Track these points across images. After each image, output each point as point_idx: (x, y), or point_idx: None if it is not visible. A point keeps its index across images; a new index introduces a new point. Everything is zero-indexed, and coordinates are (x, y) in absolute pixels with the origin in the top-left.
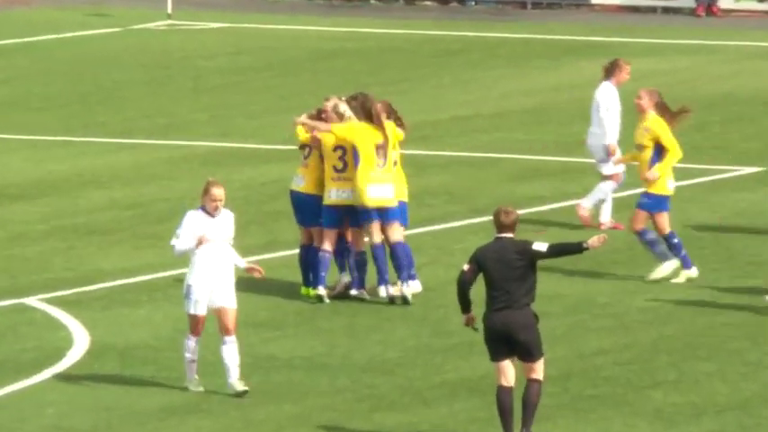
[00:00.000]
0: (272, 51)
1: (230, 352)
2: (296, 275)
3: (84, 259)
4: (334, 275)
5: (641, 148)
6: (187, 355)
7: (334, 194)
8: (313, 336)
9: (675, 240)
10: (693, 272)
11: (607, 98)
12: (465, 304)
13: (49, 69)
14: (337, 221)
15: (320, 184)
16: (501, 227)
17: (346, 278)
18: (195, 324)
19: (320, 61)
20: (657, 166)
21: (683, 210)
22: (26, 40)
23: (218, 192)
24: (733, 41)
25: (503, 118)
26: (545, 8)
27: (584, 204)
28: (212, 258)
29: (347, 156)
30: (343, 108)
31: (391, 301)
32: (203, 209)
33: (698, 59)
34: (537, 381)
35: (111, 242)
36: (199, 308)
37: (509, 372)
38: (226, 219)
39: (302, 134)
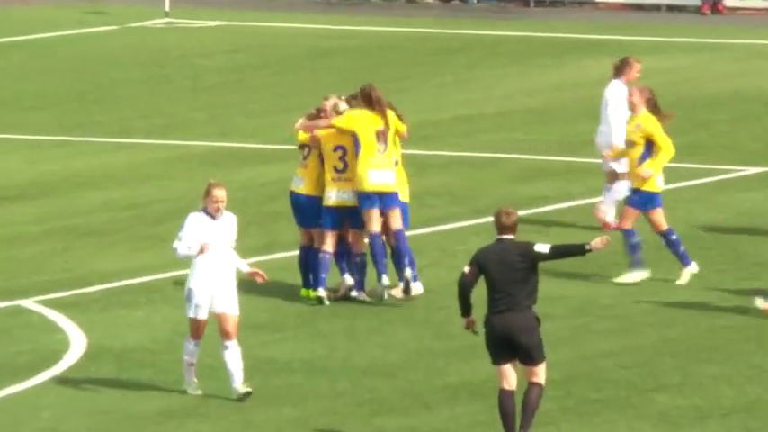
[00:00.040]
0: (271, 49)
1: (233, 357)
2: (295, 277)
3: (81, 261)
4: (335, 278)
5: (631, 144)
6: (186, 357)
7: (334, 195)
8: (313, 338)
9: (674, 237)
10: (693, 267)
11: (616, 96)
12: (465, 307)
13: (46, 68)
14: (338, 223)
15: (320, 184)
16: (502, 228)
17: (349, 281)
18: (196, 328)
19: (319, 59)
20: (649, 162)
21: (688, 210)
22: (23, 37)
23: (219, 193)
24: (738, 39)
25: (505, 117)
26: (548, 6)
27: (603, 207)
28: (214, 262)
29: (347, 156)
30: (343, 107)
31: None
32: (205, 211)
33: (703, 58)
34: (538, 384)
35: (108, 243)
36: (200, 312)
37: (511, 375)
38: (228, 221)
39: (302, 134)
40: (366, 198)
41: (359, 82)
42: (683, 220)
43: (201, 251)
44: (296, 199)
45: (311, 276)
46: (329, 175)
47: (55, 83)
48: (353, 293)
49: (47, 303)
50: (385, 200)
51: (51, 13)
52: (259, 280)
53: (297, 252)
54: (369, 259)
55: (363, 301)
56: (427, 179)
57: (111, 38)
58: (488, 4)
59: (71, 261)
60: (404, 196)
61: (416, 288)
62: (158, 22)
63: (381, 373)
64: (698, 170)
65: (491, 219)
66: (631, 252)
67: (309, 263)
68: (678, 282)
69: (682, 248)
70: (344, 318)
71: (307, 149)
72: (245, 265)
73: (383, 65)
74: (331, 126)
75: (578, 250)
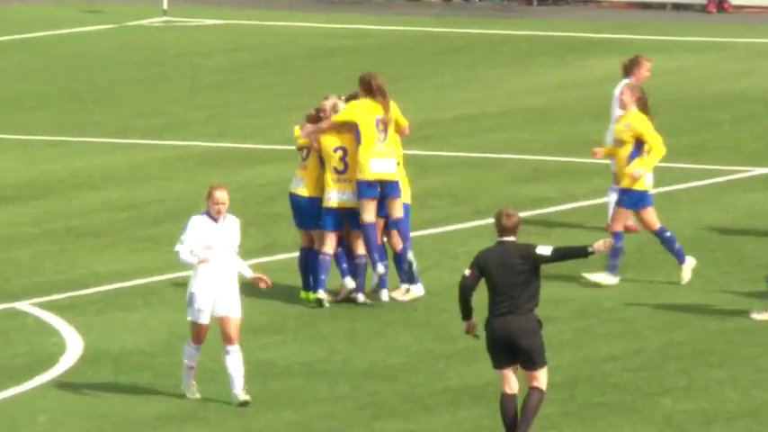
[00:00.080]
0: (270, 48)
1: (234, 362)
2: (295, 279)
3: (78, 262)
4: (335, 280)
5: (620, 143)
6: (186, 361)
7: (334, 197)
8: (313, 341)
9: (668, 234)
10: (691, 262)
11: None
12: (466, 311)
13: (42, 67)
14: (338, 224)
15: (320, 186)
16: (503, 230)
17: (350, 285)
18: (197, 332)
19: (319, 59)
20: (638, 161)
21: (693, 211)
22: (19, 36)
23: (220, 195)
24: (744, 38)
25: (507, 117)
26: (551, 4)
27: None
28: (216, 266)
29: (348, 157)
30: (343, 107)
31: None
32: (207, 214)
33: (708, 57)
34: (538, 389)
35: (106, 245)
36: (202, 316)
37: (512, 379)
38: (231, 225)
39: (298, 134)
40: (366, 187)
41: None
42: (687, 222)
43: (203, 261)
44: (296, 200)
45: (311, 278)
46: (330, 176)
47: (52, 82)
48: (354, 296)
49: (43, 305)
50: (386, 188)
51: (48, 12)
52: (262, 285)
53: (296, 254)
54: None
55: (364, 304)
56: (428, 180)
57: (108, 37)
58: (491, 3)
59: (68, 263)
60: (405, 197)
61: (417, 290)
62: (156, 20)
63: (382, 377)
64: (703, 171)
65: (493, 220)
66: (612, 256)
67: (309, 265)
68: (682, 281)
69: (677, 245)
70: (344, 320)
71: (306, 150)
72: (248, 270)
73: (384, 64)
74: (333, 124)
75: (581, 252)
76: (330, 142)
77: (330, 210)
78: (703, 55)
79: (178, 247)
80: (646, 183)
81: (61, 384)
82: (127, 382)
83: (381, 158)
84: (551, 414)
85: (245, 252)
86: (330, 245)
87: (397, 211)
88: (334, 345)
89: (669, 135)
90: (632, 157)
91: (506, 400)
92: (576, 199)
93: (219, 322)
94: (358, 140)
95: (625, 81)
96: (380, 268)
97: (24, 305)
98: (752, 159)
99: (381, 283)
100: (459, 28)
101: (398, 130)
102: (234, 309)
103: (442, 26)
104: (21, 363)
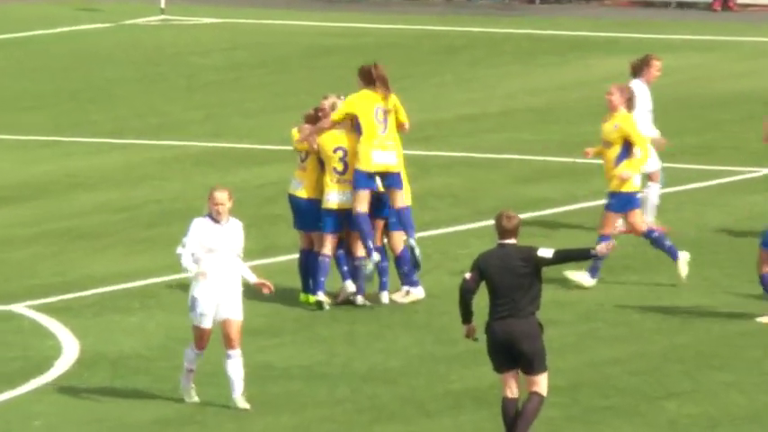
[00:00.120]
0: (268, 47)
1: (235, 366)
2: (294, 281)
3: (74, 264)
4: (335, 282)
5: (608, 145)
6: (186, 364)
7: (334, 198)
8: (312, 344)
9: (655, 234)
10: (685, 256)
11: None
12: (466, 314)
13: (38, 66)
14: (338, 226)
15: (319, 187)
16: (503, 232)
17: (350, 288)
18: (200, 337)
19: (317, 58)
20: (626, 163)
21: (697, 212)
22: (15, 35)
23: (219, 195)
24: (750, 37)
25: (508, 117)
26: (553, 3)
27: (648, 220)
28: (219, 269)
29: (348, 157)
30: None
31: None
32: (210, 216)
33: (713, 56)
34: (538, 394)
35: (102, 246)
36: (204, 321)
37: (513, 383)
38: (234, 228)
39: (297, 138)
40: (364, 177)
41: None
42: (691, 223)
43: (200, 276)
44: (295, 202)
45: (310, 281)
46: (329, 177)
47: (47, 81)
48: (354, 298)
49: (38, 308)
50: (388, 180)
51: (44, 11)
52: (266, 291)
53: (295, 255)
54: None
55: (363, 306)
56: (429, 180)
57: (105, 36)
58: (492, 1)
59: (63, 265)
60: (405, 199)
61: (417, 293)
62: (153, 19)
63: (382, 380)
64: (707, 171)
65: (493, 221)
66: (595, 260)
67: (309, 267)
68: (680, 277)
69: (668, 243)
70: (344, 323)
71: (304, 151)
72: (252, 276)
73: (383, 63)
74: (334, 123)
75: (583, 255)
76: (329, 143)
77: (330, 211)
78: (708, 54)
79: (180, 250)
80: (634, 184)
81: (57, 388)
82: (124, 386)
83: (383, 150)
84: (554, 418)
85: (244, 254)
86: (329, 247)
87: (400, 201)
88: (333, 347)
89: (673, 135)
90: (620, 158)
91: (508, 404)
92: (579, 200)
93: (221, 325)
94: (358, 132)
95: (634, 81)
96: (375, 256)
97: (19, 308)
98: (757, 160)
99: (381, 284)
100: (459, 26)
101: (398, 125)
102: (236, 311)
103: (442, 24)
104: (16, 366)
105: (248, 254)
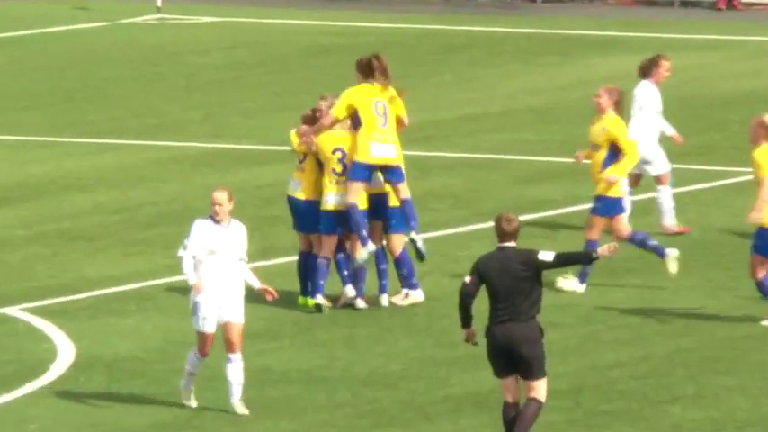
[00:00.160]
0: (267, 47)
1: (235, 370)
2: (293, 284)
3: (69, 266)
4: (335, 284)
5: (596, 148)
6: (188, 366)
7: (332, 199)
8: (311, 347)
9: (639, 237)
10: (673, 252)
11: (642, 96)
12: (466, 318)
13: (33, 66)
14: (336, 227)
15: (318, 188)
16: (503, 235)
17: (351, 293)
18: (204, 342)
19: (317, 57)
20: (613, 167)
21: (702, 213)
22: (10, 34)
23: (217, 195)
24: (754, 36)
25: (510, 117)
26: (555, 1)
27: (667, 223)
28: (220, 272)
29: (347, 158)
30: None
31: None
32: (212, 217)
33: (717, 55)
34: (536, 400)
35: (98, 248)
36: (207, 325)
37: (514, 388)
38: (237, 231)
39: (296, 141)
40: (361, 169)
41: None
42: (696, 224)
43: (195, 289)
44: (294, 204)
45: (309, 283)
46: (328, 178)
47: (42, 82)
48: (354, 302)
49: (33, 311)
50: (388, 174)
51: (40, 9)
52: (269, 298)
53: (294, 257)
54: (368, 263)
55: (363, 309)
56: (429, 181)
57: (101, 35)
58: (492, 0)
59: (59, 267)
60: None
61: (416, 295)
62: (150, 18)
63: (382, 384)
64: (712, 172)
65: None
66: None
67: (308, 269)
68: (670, 274)
69: (652, 243)
70: (344, 326)
71: (303, 153)
72: (256, 281)
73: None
74: (335, 119)
75: (585, 258)
76: (328, 144)
77: (328, 213)
78: (712, 53)
79: (181, 253)
80: (621, 189)
81: (52, 392)
82: (120, 389)
83: (382, 143)
84: (556, 422)
85: None
86: (328, 248)
87: (403, 193)
88: (332, 351)
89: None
90: (607, 161)
91: (508, 409)
92: (581, 201)
93: (222, 328)
94: (358, 124)
95: (644, 82)
96: (370, 246)
97: (14, 310)
98: None
99: (381, 287)
100: (459, 25)
101: (397, 120)
102: (237, 315)
103: (441, 24)
104: (10, 370)
105: (247, 255)
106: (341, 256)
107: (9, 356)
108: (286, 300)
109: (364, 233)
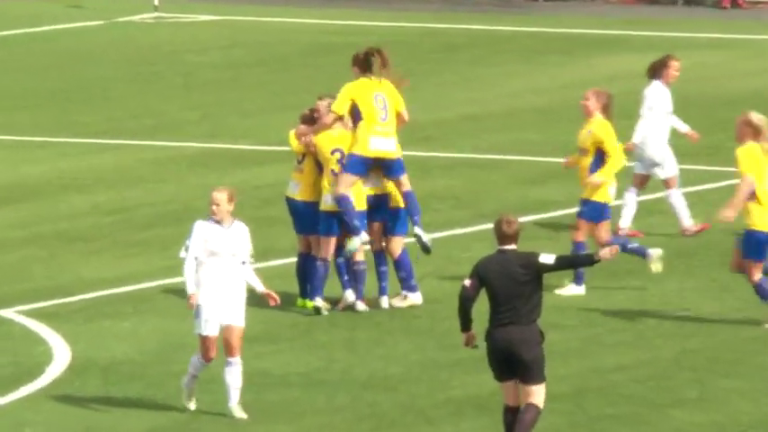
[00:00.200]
0: (266, 46)
1: (234, 375)
2: (292, 286)
3: (65, 268)
4: (334, 285)
5: (584, 152)
6: (191, 369)
7: (332, 200)
8: (310, 350)
9: (619, 242)
10: (655, 252)
11: (652, 97)
12: (466, 322)
13: (29, 65)
14: (335, 228)
15: (317, 189)
16: (503, 238)
17: (351, 298)
18: (207, 347)
19: (316, 56)
20: (599, 172)
21: (707, 214)
22: (6, 33)
23: (216, 195)
24: (759, 35)
25: (511, 117)
26: (557, 0)
27: (686, 225)
28: (222, 274)
29: (345, 159)
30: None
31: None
32: (212, 218)
33: (722, 54)
34: (534, 406)
35: (94, 250)
36: (209, 328)
37: (514, 392)
38: (238, 232)
39: (295, 142)
40: (358, 162)
41: None
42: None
43: (192, 303)
44: (292, 205)
45: (308, 285)
46: (327, 179)
47: (38, 81)
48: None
49: (29, 313)
50: (388, 168)
51: (35, 8)
52: (272, 303)
53: (294, 259)
54: (368, 264)
55: (363, 312)
56: (430, 182)
57: (98, 34)
58: None
59: (55, 268)
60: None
61: (415, 298)
62: (147, 16)
63: (382, 387)
64: (717, 172)
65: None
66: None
67: (307, 271)
68: (654, 271)
69: (632, 245)
70: (343, 328)
71: (302, 153)
72: (259, 285)
73: None
74: (337, 116)
75: (586, 261)
76: (327, 144)
77: (327, 213)
78: (716, 52)
79: (183, 254)
80: (609, 194)
81: (48, 395)
82: (116, 393)
83: (382, 137)
84: (558, 425)
85: None
86: (327, 250)
87: (405, 185)
88: (332, 354)
89: (681, 136)
90: (594, 166)
91: (509, 414)
92: None
93: (223, 331)
94: (359, 118)
95: (654, 83)
96: (364, 236)
97: (9, 313)
98: None
99: (381, 289)
100: (460, 24)
101: (396, 116)
102: (238, 318)
103: (442, 22)
104: (5, 373)
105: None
106: (341, 260)
107: (4, 359)
108: (284, 302)
109: (356, 222)
